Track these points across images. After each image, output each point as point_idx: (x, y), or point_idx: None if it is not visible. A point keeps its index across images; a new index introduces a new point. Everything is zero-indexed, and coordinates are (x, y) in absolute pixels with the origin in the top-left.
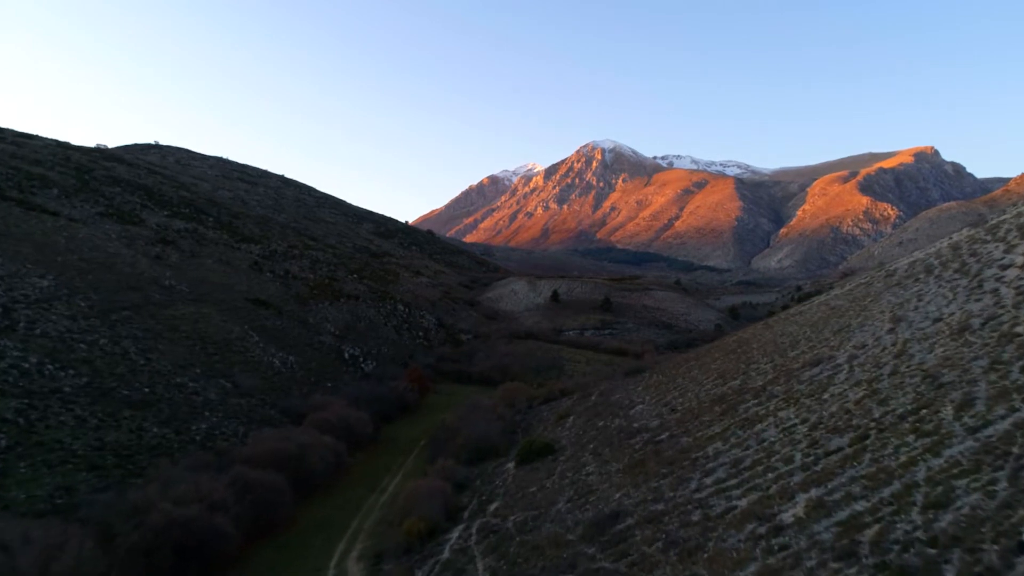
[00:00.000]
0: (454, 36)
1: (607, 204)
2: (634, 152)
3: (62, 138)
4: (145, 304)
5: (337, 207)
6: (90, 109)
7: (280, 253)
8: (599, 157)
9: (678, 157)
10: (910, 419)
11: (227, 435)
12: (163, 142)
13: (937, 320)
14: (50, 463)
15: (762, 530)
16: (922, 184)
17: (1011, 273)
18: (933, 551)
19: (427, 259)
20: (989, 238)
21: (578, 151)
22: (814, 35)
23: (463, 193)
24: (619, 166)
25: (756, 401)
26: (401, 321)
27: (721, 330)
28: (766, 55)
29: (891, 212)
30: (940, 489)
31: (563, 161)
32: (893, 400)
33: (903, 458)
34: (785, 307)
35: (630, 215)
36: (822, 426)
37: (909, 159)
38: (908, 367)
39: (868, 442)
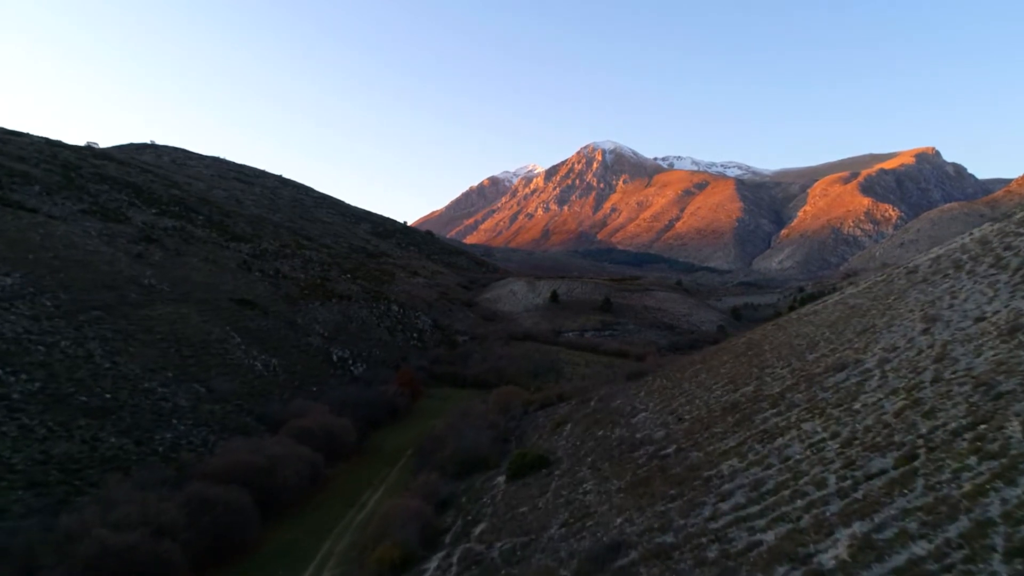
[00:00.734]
0: (454, 37)
1: (607, 205)
2: (635, 153)
3: (62, 139)
4: (119, 304)
5: (335, 207)
6: (91, 111)
7: (271, 252)
8: (599, 158)
9: (679, 158)
10: (967, 436)
11: (195, 445)
12: (162, 143)
13: (979, 320)
14: None
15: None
16: (923, 185)
17: None
18: None
19: (425, 259)
20: (1023, 231)
21: (578, 152)
22: (815, 36)
23: (463, 194)
24: (620, 167)
25: (774, 410)
26: (395, 322)
27: (724, 331)
28: (767, 56)
29: (892, 213)
30: None
31: (563, 162)
32: (941, 412)
33: (967, 486)
34: (792, 308)
35: (631, 216)
36: (857, 442)
37: (910, 160)
38: (954, 373)
39: (918, 464)
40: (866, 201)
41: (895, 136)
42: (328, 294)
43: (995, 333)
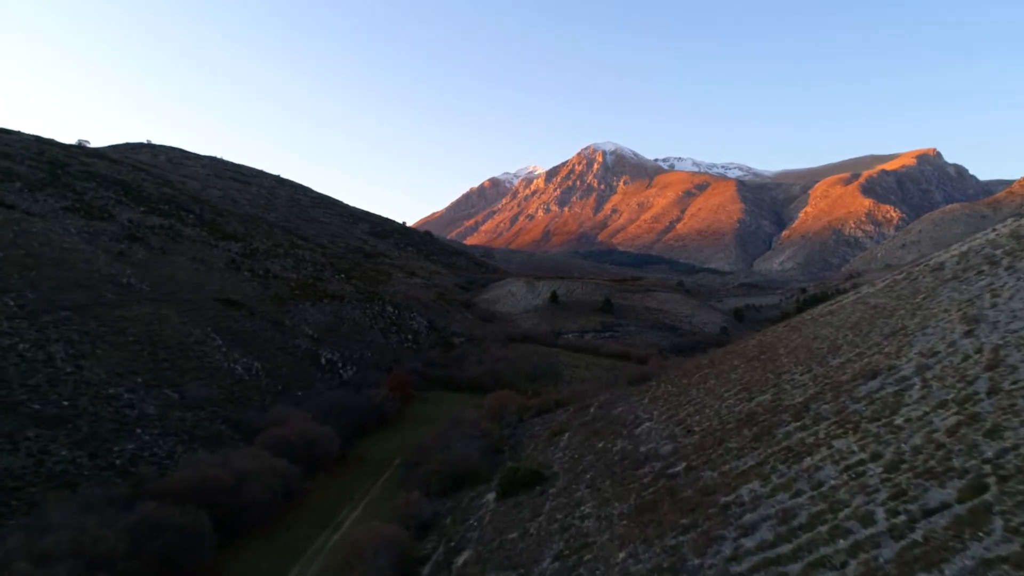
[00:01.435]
0: (453, 38)
1: (608, 206)
2: (635, 154)
3: (58, 139)
4: (93, 304)
5: (333, 207)
6: (93, 112)
7: (262, 252)
8: (600, 159)
9: (679, 159)
10: None
11: (159, 457)
12: (160, 143)
13: None
14: None
15: None
16: (924, 186)
17: None
18: None
19: (423, 260)
20: None
21: (579, 153)
22: (816, 37)
23: (464, 195)
24: (620, 168)
25: (798, 424)
26: (389, 323)
27: (727, 333)
28: (768, 57)
29: (894, 214)
30: None
31: (564, 163)
32: (1008, 431)
33: None
34: (801, 309)
35: (631, 217)
36: (905, 466)
37: (911, 161)
38: (1015, 383)
39: (990, 497)
40: (867, 202)
41: (896, 137)
42: (320, 294)
43: None
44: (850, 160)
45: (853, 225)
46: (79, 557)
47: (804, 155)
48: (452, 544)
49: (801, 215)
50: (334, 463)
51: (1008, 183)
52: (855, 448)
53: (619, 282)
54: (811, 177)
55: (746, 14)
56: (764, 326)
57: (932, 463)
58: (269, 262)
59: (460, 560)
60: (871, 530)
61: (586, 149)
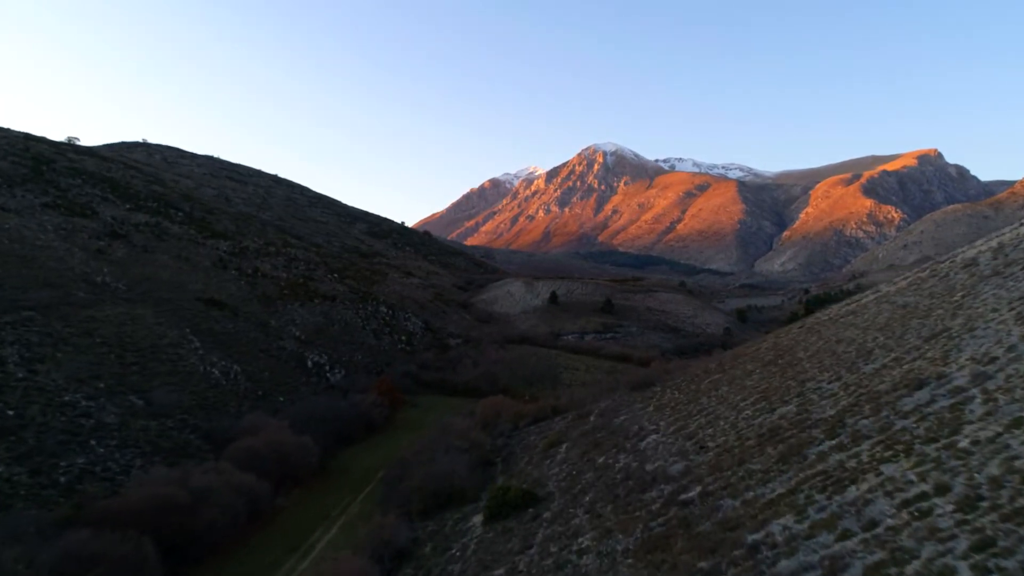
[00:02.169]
0: (453, 38)
1: (608, 207)
2: (636, 155)
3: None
4: (60, 303)
5: (330, 207)
6: (91, 113)
7: (252, 250)
8: (600, 160)
9: (680, 160)
10: None
11: (111, 473)
12: (156, 143)
13: None
14: None
15: None
16: (926, 187)
17: None
18: None
19: (421, 260)
20: None
21: (579, 154)
22: (816, 37)
23: (464, 196)
24: (620, 169)
25: (834, 442)
26: (382, 324)
27: (731, 334)
28: (768, 57)
29: (895, 215)
30: None
31: (564, 164)
32: None
33: None
34: (810, 311)
35: (632, 218)
36: (986, 505)
37: (912, 162)
38: None
39: None
40: (868, 203)
41: (897, 138)
42: (311, 294)
43: None
44: (851, 161)
45: (854, 226)
46: None
47: (805, 156)
48: None
49: (802, 216)
50: (312, 476)
51: (1009, 183)
52: (912, 477)
53: (620, 282)
54: (812, 178)
55: (747, 14)
56: (769, 327)
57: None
58: (259, 261)
59: None
60: None
61: (586, 150)
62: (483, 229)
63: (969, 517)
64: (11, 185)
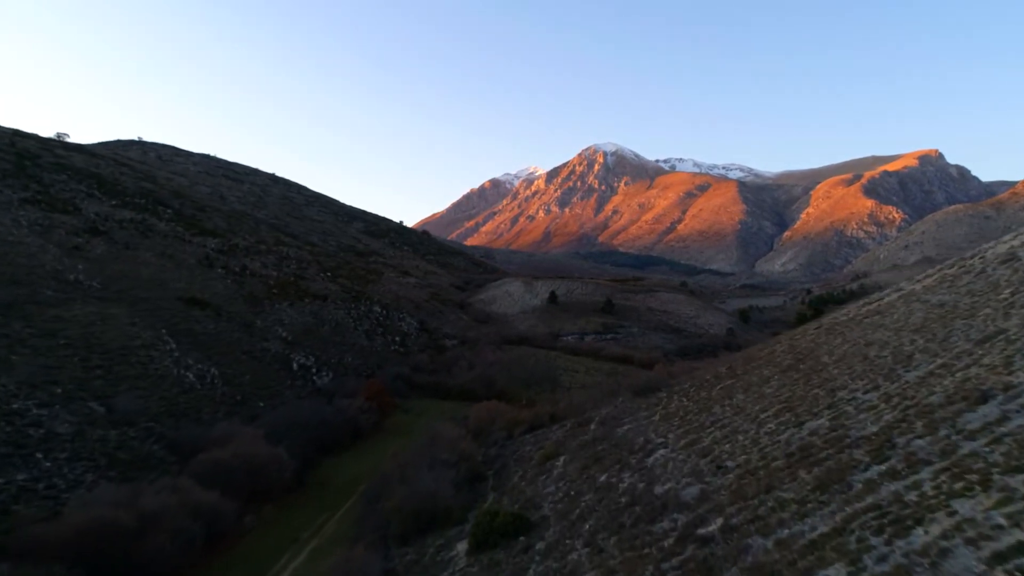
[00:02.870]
0: (453, 38)
1: (609, 207)
2: (636, 155)
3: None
4: (25, 302)
5: (327, 206)
6: (92, 114)
7: (242, 248)
8: (601, 160)
9: (680, 160)
10: None
11: (56, 491)
12: (154, 141)
13: None
14: None
15: None
16: (927, 187)
17: None
18: None
19: (419, 259)
20: None
21: (580, 154)
22: (817, 37)
23: (464, 196)
24: (621, 169)
25: (883, 467)
26: (375, 324)
27: (734, 334)
28: (769, 57)
29: (896, 215)
30: None
31: (565, 164)
32: None
33: None
34: (819, 311)
35: (632, 218)
36: None
37: (913, 162)
38: None
39: None
40: (869, 203)
41: (898, 138)
42: (301, 293)
43: None
44: (852, 161)
45: (855, 226)
46: None
47: (805, 156)
48: None
49: (803, 216)
50: (287, 491)
51: (1011, 184)
52: (999, 520)
53: (621, 282)
54: (813, 178)
55: (748, 14)
56: (773, 328)
57: None
58: (248, 259)
59: None
60: None
61: (587, 150)
62: (483, 229)
63: None
64: None
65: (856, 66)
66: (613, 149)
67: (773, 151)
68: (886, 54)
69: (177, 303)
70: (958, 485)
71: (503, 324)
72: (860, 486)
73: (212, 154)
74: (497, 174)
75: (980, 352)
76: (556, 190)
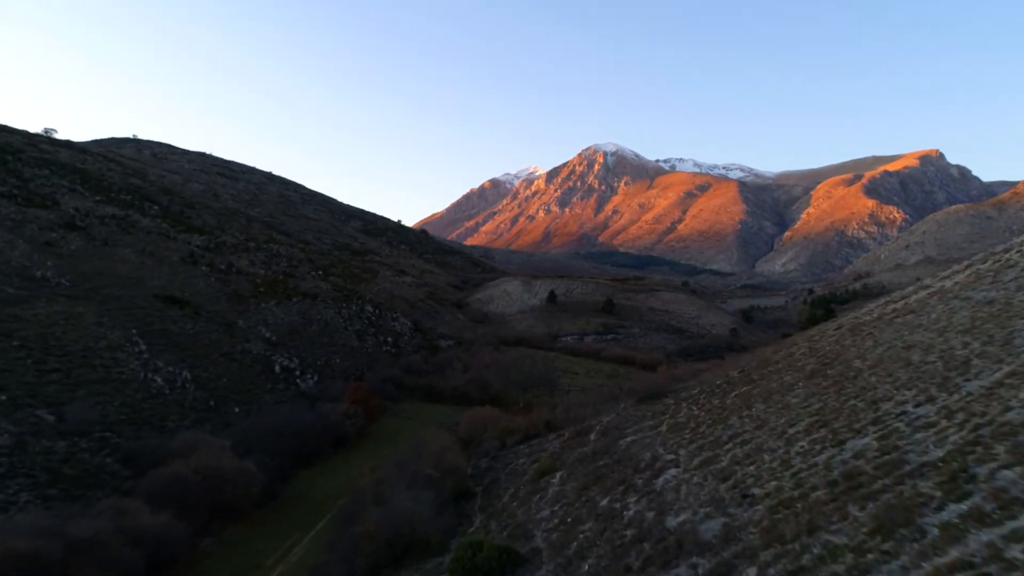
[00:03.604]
0: (453, 38)
1: (609, 207)
2: (636, 155)
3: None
4: None
5: (324, 204)
6: (94, 114)
7: (229, 245)
8: (601, 160)
9: (680, 160)
10: None
11: None
12: (151, 139)
13: None
14: None
15: None
16: (927, 187)
17: None
18: None
19: (416, 258)
20: None
21: (580, 154)
22: (818, 36)
23: (464, 196)
24: (621, 169)
25: (964, 506)
26: (367, 324)
27: (737, 335)
28: (769, 57)
29: (897, 215)
30: None
31: (565, 164)
32: None
33: None
34: (830, 312)
35: (632, 218)
36: None
37: (914, 162)
38: None
39: None
40: (870, 203)
41: (898, 138)
42: (289, 292)
43: None
44: (852, 161)
45: (856, 226)
46: None
47: (806, 156)
48: None
49: (803, 216)
50: (255, 507)
51: (1012, 184)
52: None
53: (621, 282)
54: (813, 178)
55: (748, 14)
56: (777, 328)
57: None
58: (235, 257)
59: None
60: None
61: (587, 150)
62: (483, 229)
63: None
64: None
65: (856, 66)
66: (613, 149)
67: (773, 151)
68: (886, 54)
69: (153, 302)
70: None
71: (501, 324)
72: (937, 532)
73: (208, 152)
74: (497, 174)
75: None
76: (556, 190)
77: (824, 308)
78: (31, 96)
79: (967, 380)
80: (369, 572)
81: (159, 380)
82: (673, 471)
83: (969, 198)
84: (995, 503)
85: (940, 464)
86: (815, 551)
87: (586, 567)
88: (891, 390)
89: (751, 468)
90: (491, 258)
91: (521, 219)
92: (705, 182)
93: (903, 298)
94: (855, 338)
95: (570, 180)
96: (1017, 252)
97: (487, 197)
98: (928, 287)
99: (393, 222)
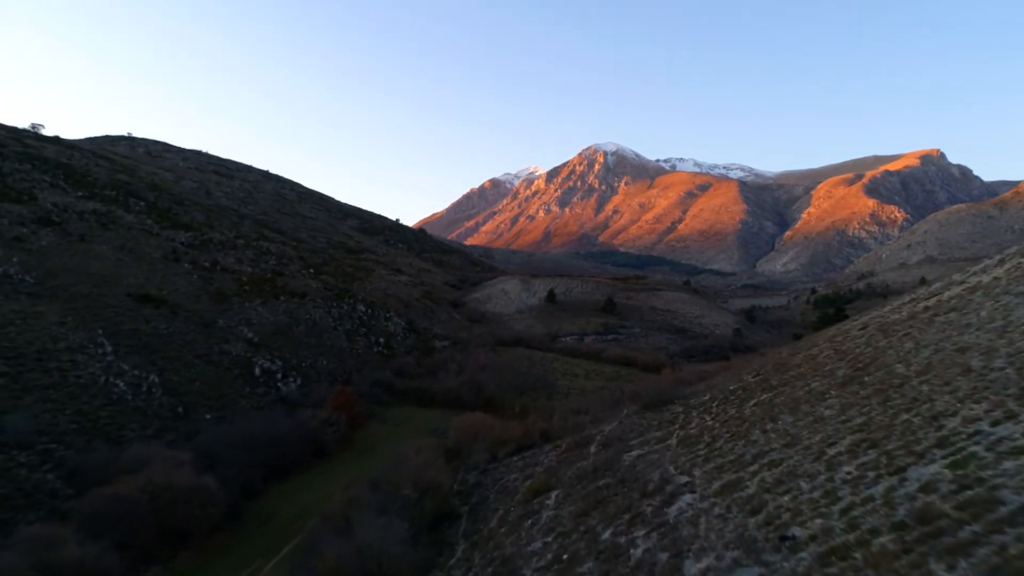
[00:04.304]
0: (453, 37)
1: (609, 207)
2: (636, 155)
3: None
4: None
5: (321, 203)
6: (94, 115)
7: (216, 242)
8: (601, 160)
9: (681, 160)
10: None
11: None
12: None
13: None
14: None
15: None
16: (928, 187)
17: None
18: None
19: (413, 257)
20: None
21: (580, 153)
22: (818, 36)
23: (464, 196)
24: (621, 169)
25: None
26: (358, 324)
27: (741, 335)
28: (769, 57)
29: (898, 215)
30: None
31: (565, 164)
32: None
33: None
34: (840, 312)
35: (632, 218)
36: None
37: (915, 162)
38: None
39: None
40: (871, 203)
41: (899, 138)
42: (277, 291)
43: None
44: (853, 161)
45: (857, 226)
46: None
47: (806, 155)
48: None
49: (804, 216)
50: (214, 530)
51: (1013, 184)
52: None
53: (622, 281)
54: (813, 178)
55: (749, 14)
56: (782, 328)
57: None
58: (221, 254)
59: None
60: None
61: (587, 149)
62: (483, 229)
63: None
64: None
65: (857, 65)
66: (613, 149)
67: (774, 151)
68: (887, 53)
69: (126, 300)
70: None
71: (498, 324)
72: None
73: (205, 150)
74: (497, 174)
75: None
76: (556, 190)
77: (835, 307)
78: (31, 96)
79: None
80: None
81: (121, 385)
82: (688, 497)
83: (970, 198)
84: None
85: None
86: None
87: None
88: (953, 402)
89: (786, 499)
90: (491, 258)
91: (521, 219)
92: (705, 182)
93: (934, 295)
94: (889, 339)
95: (570, 180)
96: None
97: (487, 197)
98: (962, 283)
99: (391, 221)
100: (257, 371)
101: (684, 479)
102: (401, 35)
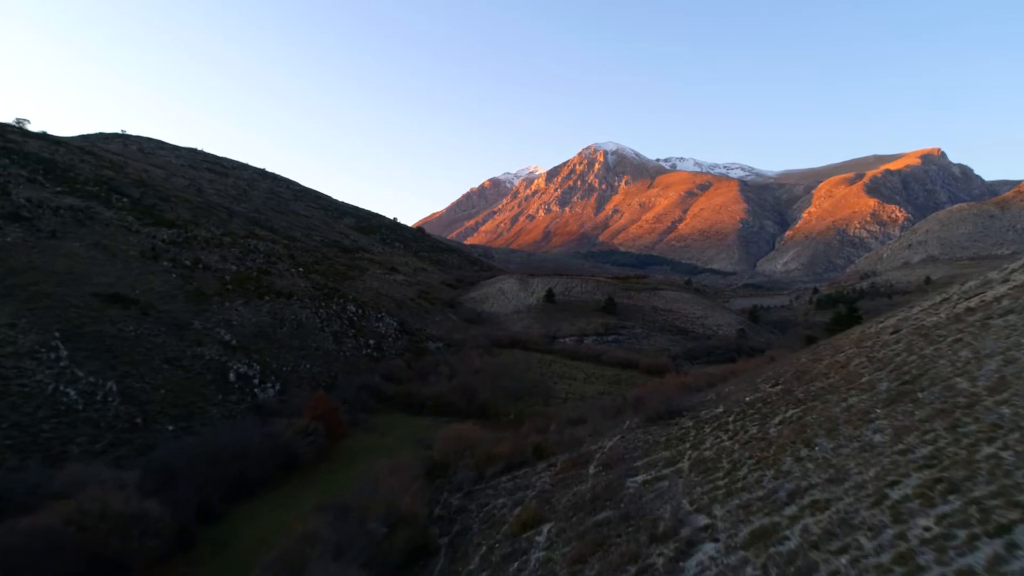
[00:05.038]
0: (453, 37)
1: (609, 207)
2: (636, 154)
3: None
4: None
5: (316, 201)
6: (95, 115)
7: (201, 240)
8: (601, 159)
9: (681, 159)
10: None
11: None
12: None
13: None
14: None
15: None
16: (929, 186)
17: None
18: None
19: (410, 256)
20: None
21: (580, 153)
22: (818, 36)
23: (464, 196)
24: (621, 168)
25: None
26: (347, 325)
27: (745, 336)
28: (770, 56)
29: (899, 214)
30: None
31: (565, 163)
32: None
33: None
34: (853, 312)
35: (633, 218)
36: None
37: (916, 161)
38: None
39: None
40: (872, 202)
41: (900, 137)
42: (262, 290)
43: None
44: (853, 160)
45: (858, 225)
46: None
47: (807, 155)
48: None
49: (804, 215)
50: (158, 563)
51: (1014, 183)
52: None
53: (623, 280)
54: (814, 177)
55: (749, 13)
56: (785, 328)
57: None
58: (205, 252)
59: None
60: None
61: (587, 149)
62: (483, 229)
63: None
64: None
65: (858, 65)
66: (613, 148)
67: (774, 150)
68: (887, 53)
69: (92, 300)
70: None
71: (495, 325)
72: None
73: (199, 148)
74: (497, 173)
75: None
76: (556, 189)
77: (847, 307)
78: (29, 95)
79: None
80: None
81: (72, 393)
82: (711, 548)
83: (971, 197)
84: None
85: None
86: None
87: None
88: None
89: (843, 560)
90: (490, 257)
91: (521, 218)
92: (706, 181)
93: (975, 294)
94: (936, 347)
95: (570, 179)
96: None
97: (487, 196)
98: (1006, 281)
99: (388, 219)
100: (232, 376)
101: (703, 520)
102: (402, 35)
